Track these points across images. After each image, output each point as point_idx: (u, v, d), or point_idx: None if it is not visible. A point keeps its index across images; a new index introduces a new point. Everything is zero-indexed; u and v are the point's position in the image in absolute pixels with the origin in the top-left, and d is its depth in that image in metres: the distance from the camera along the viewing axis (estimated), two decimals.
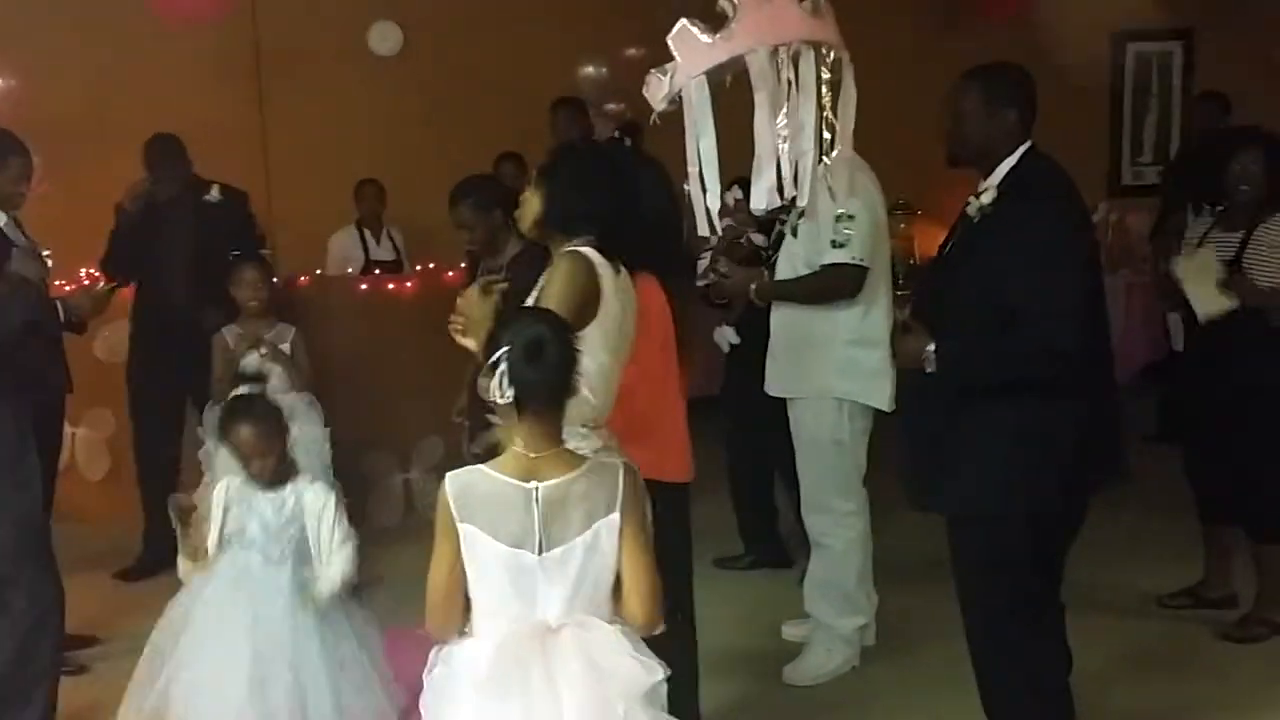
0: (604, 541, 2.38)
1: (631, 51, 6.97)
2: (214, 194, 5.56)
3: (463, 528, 2.36)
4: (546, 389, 2.37)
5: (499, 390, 2.32)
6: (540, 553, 2.35)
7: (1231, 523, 4.63)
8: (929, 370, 3.10)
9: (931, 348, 3.08)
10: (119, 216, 5.50)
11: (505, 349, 2.32)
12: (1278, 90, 7.62)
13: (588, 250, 2.93)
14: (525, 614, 2.37)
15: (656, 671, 2.39)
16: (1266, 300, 4.30)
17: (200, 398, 5.50)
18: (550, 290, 2.87)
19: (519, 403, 2.33)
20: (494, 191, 4.60)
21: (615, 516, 2.38)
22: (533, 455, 2.37)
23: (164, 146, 5.45)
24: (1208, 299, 4.36)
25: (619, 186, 3.06)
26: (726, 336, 4.99)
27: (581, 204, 3.00)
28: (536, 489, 2.35)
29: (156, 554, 5.44)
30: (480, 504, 2.36)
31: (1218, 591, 4.74)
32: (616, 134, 5.05)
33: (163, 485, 5.52)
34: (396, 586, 5.24)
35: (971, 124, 3.18)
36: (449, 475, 2.39)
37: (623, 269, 3.03)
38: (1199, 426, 4.57)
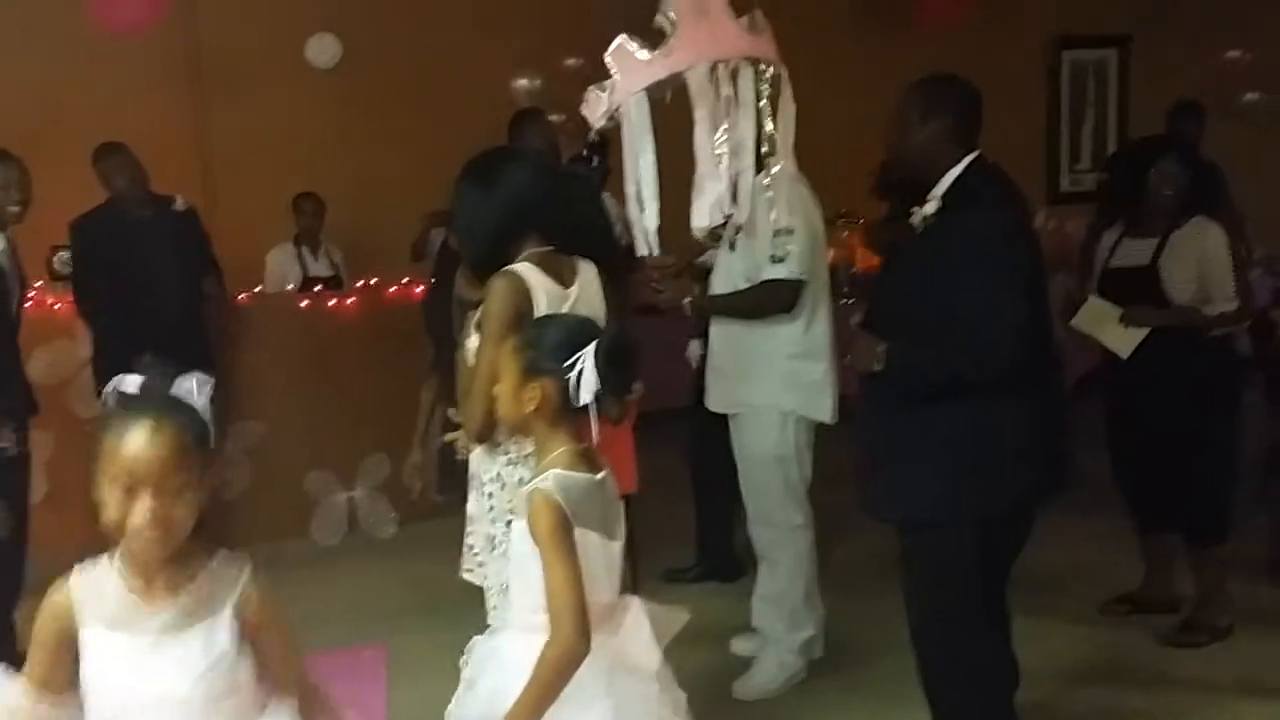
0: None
1: (572, 62, 6.95)
2: (180, 203, 5.45)
3: (578, 532, 2.36)
4: (625, 390, 2.48)
5: (585, 389, 2.37)
6: (618, 538, 2.48)
7: (1168, 530, 4.67)
8: (878, 368, 3.10)
9: (882, 348, 3.09)
10: (75, 236, 5.35)
11: (588, 350, 2.37)
12: (1213, 96, 7.74)
13: (523, 268, 2.90)
14: (610, 599, 2.45)
15: (684, 614, 2.60)
16: (1165, 321, 4.38)
17: None
18: (485, 313, 2.87)
19: (597, 402, 2.40)
20: None
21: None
22: (584, 446, 2.44)
23: (121, 155, 5.30)
24: (1119, 339, 4.46)
25: (530, 202, 2.99)
26: (695, 351, 4.98)
27: (495, 236, 2.99)
28: (605, 478, 2.47)
29: None
30: (581, 506, 2.38)
31: (1160, 596, 4.78)
32: (584, 152, 4.95)
33: None
34: (339, 604, 5.20)
35: (908, 135, 3.19)
36: (556, 485, 2.36)
37: (582, 270, 3.01)
38: (1129, 436, 4.61)
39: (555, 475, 2.37)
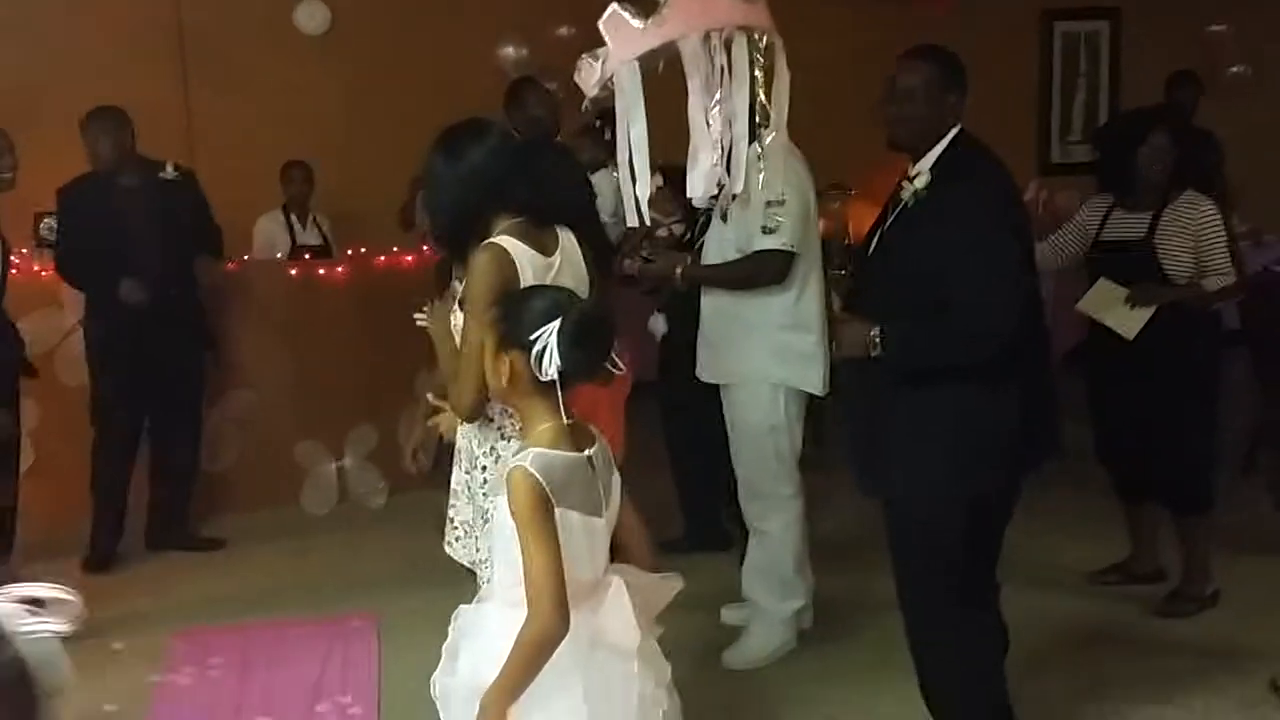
0: (619, 495, 2.52)
1: (563, 31, 6.90)
2: (169, 171, 5.37)
3: (558, 512, 2.34)
4: (593, 367, 2.44)
5: (544, 367, 2.34)
6: (603, 515, 2.46)
7: (1150, 500, 4.70)
8: (874, 355, 3.08)
9: (876, 332, 3.07)
10: (62, 204, 5.26)
11: (552, 325, 2.34)
12: (1204, 68, 7.72)
13: (504, 239, 2.88)
14: (592, 577, 2.44)
15: (678, 580, 2.59)
16: (1173, 297, 4.39)
17: (167, 390, 5.40)
18: (470, 288, 2.85)
19: (562, 378, 2.37)
20: None
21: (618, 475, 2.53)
22: (568, 422, 2.42)
23: (106, 119, 5.21)
24: (1125, 320, 4.44)
25: (493, 178, 2.94)
26: (659, 324, 4.97)
27: (460, 211, 2.96)
28: (590, 456, 2.44)
29: (109, 542, 5.37)
30: (564, 483, 2.36)
31: (1146, 566, 4.81)
32: (597, 123, 4.90)
33: (121, 479, 5.45)
34: (329, 573, 5.21)
35: (919, 104, 3.14)
36: (534, 464, 2.34)
37: (563, 239, 2.99)
38: (1113, 408, 4.62)
39: (535, 454, 2.36)
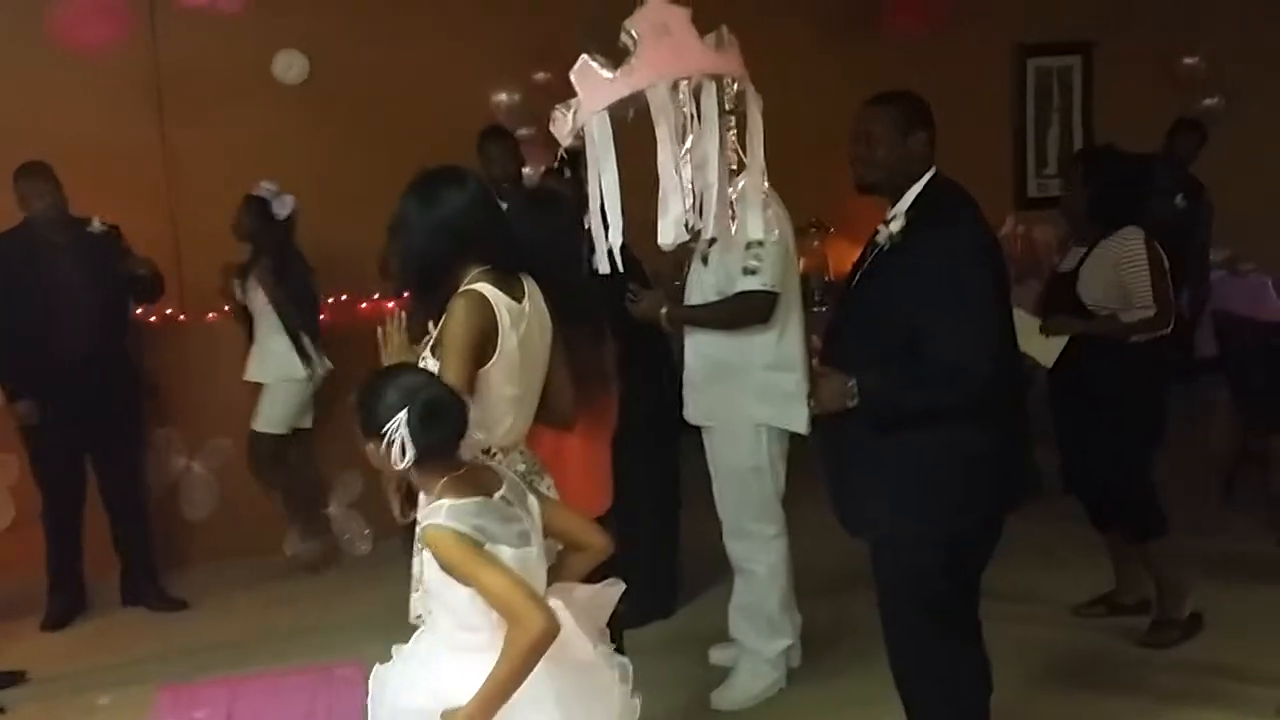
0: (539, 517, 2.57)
1: (540, 76, 6.95)
2: (96, 225, 5.32)
3: (491, 549, 2.37)
4: (449, 447, 2.45)
5: (398, 455, 2.37)
6: (532, 544, 2.49)
7: (1111, 528, 4.73)
8: (851, 405, 3.09)
9: (852, 383, 3.08)
10: None
11: (400, 415, 2.36)
12: (1177, 103, 7.81)
13: (482, 287, 2.90)
14: None
15: (618, 585, 2.64)
16: (1083, 329, 4.49)
17: (104, 445, 5.35)
18: (447, 333, 2.85)
19: (420, 460, 2.40)
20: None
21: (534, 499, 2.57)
22: (463, 471, 2.46)
23: (40, 176, 5.18)
24: (1042, 349, 4.54)
25: (467, 226, 2.95)
26: None
27: (430, 257, 2.97)
28: (502, 495, 2.47)
29: (64, 602, 5.33)
30: (481, 526, 2.38)
31: (1131, 597, 4.82)
32: (557, 164, 4.93)
33: (71, 540, 5.38)
34: (314, 621, 5.18)
35: (885, 148, 3.18)
36: (449, 517, 2.37)
37: (527, 285, 3.00)
38: (1063, 437, 4.69)
39: (448, 508, 2.38)
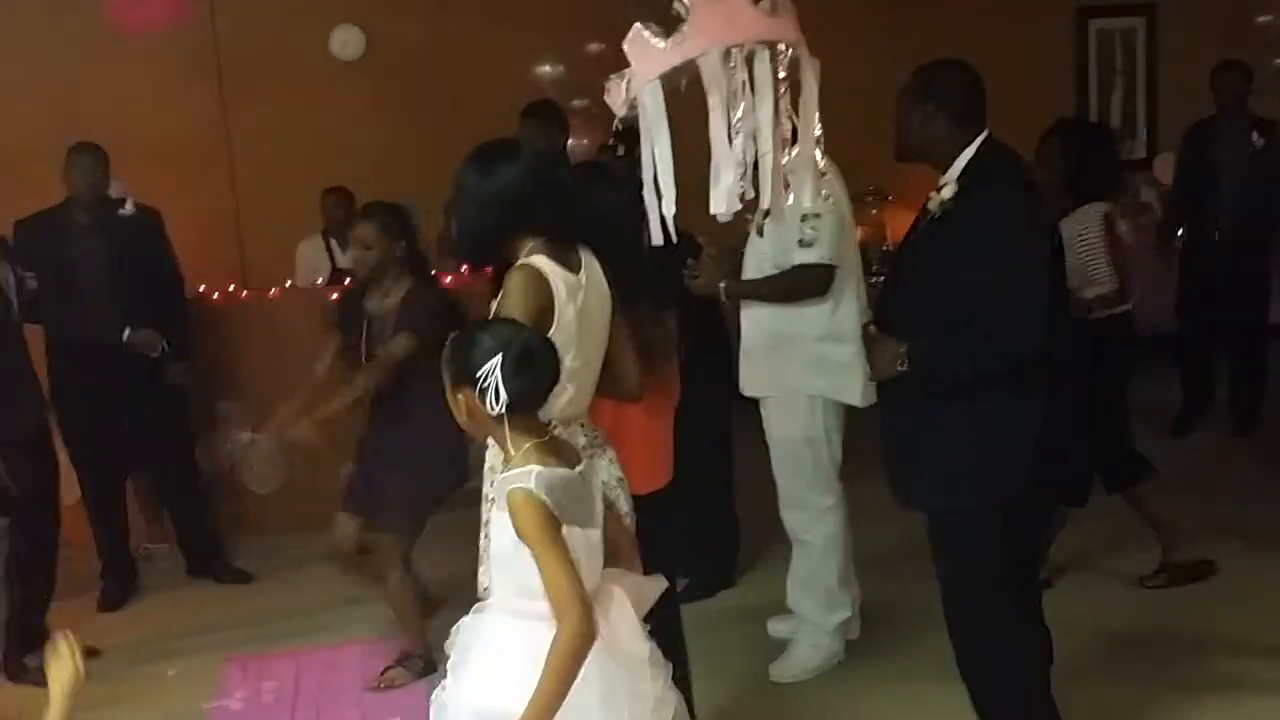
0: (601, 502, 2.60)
1: (595, 47, 6.92)
2: (129, 207, 5.35)
3: (564, 530, 2.39)
4: (541, 395, 2.49)
5: (492, 400, 2.39)
6: (597, 526, 2.52)
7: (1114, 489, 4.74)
8: (902, 370, 3.08)
9: (904, 349, 3.07)
10: (19, 237, 5.10)
11: (495, 361, 2.39)
12: (1249, 61, 7.62)
13: (538, 260, 2.90)
14: (593, 587, 2.47)
15: (662, 581, 2.69)
16: None
17: (142, 423, 5.39)
18: (504, 307, 2.86)
19: (510, 410, 2.41)
20: (405, 223, 4.41)
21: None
22: (545, 440, 2.47)
23: (88, 151, 5.20)
24: None
25: (523, 198, 2.95)
26: None
27: (486, 228, 2.99)
28: (582, 471, 2.50)
29: (117, 584, 5.41)
30: (564, 502, 2.40)
31: (1183, 555, 4.80)
32: (611, 140, 4.91)
33: (115, 522, 5.46)
34: (355, 597, 5.21)
35: (901, 116, 3.20)
36: (537, 483, 2.37)
37: (585, 258, 3.00)
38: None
39: (538, 474, 2.38)
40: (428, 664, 4.37)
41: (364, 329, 4.42)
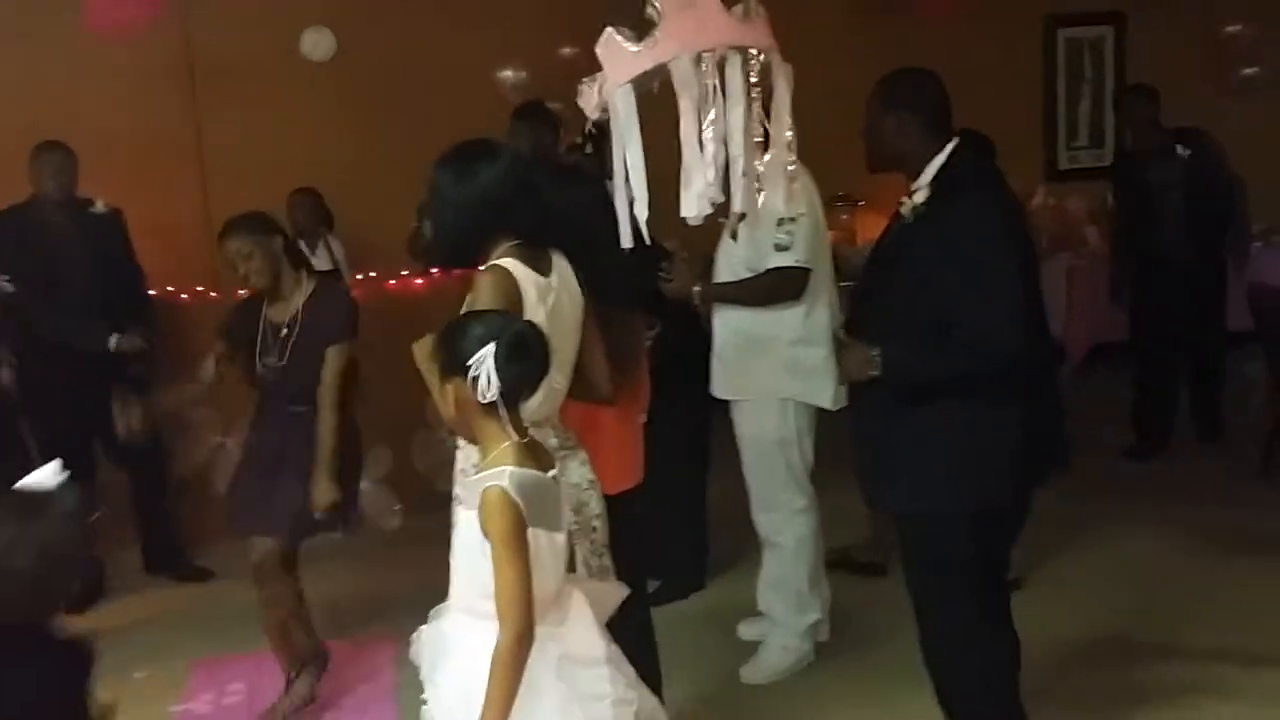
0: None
1: (567, 52, 6.92)
2: (100, 206, 5.33)
3: (530, 533, 2.39)
4: (533, 383, 2.51)
5: (484, 388, 2.39)
6: (563, 530, 2.55)
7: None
8: (874, 374, 3.09)
9: (876, 353, 3.08)
10: None
11: (488, 349, 2.39)
12: (1210, 74, 7.71)
13: (508, 262, 2.90)
14: (555, 590, 2.50)
15: (624, 588, 2.74)
16: None
17: (110, 423, 5.35)
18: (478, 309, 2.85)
19: (504, 399, 2.42)
20: (268, 222, 4.24)
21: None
22: (524, 441, 2.47)
23: (54, 154, 5.18)
24: None
25: (501, 200, 2.95)
26: None
27: (464, 230, 2.98)
28: (555, 475, 2.52)
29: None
30: (535, 504, 2.41)
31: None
32: (580, 139, 4.90)
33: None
34: (345, 596, 5.22)
35: (879, 133, 3.21)
36: (513, 484, 2.38)
37: (556, 261, 3.00)
38: None
39: (511, 473, 2.39)
40: (322, 658, 4.28)
41: (258, 336, 4.22)
